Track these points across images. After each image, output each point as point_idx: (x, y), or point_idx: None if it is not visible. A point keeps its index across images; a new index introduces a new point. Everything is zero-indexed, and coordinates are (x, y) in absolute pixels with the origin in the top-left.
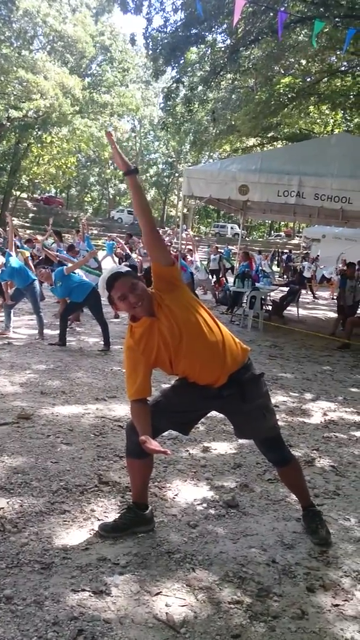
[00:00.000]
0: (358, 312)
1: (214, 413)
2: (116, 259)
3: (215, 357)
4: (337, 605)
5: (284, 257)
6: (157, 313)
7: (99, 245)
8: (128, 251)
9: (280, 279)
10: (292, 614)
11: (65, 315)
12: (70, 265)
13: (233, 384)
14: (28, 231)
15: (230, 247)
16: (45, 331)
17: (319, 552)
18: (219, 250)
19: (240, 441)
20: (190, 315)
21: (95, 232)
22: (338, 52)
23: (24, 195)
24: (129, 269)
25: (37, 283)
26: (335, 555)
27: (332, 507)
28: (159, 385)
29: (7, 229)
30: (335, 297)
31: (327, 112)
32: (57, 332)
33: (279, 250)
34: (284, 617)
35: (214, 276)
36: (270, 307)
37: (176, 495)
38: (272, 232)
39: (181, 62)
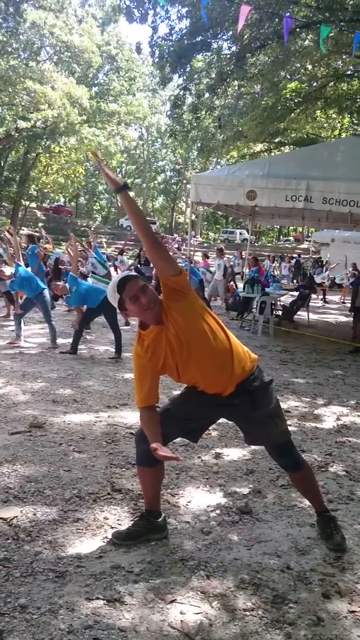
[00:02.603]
0: None
1: (225, 419)
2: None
3: (223, 366)
4: (353, 611)
5: (293, 261)
6: (164, 321)
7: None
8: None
9: (290, 283)
10: (308, 620)
11: (82, 325)
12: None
13: (242, 392)
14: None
15: (236, 256)
16: (58, 340)
17: (334, 558)
18: (222, 254)
19: (253, 447)
20: (197, 324)
21: (104, 240)
22: (344, 56)
23: (33, 204)
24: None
25: (47, 292)
26: (351, 561)
27: (346, 513)
28: (170, 391)
29: (10, 239)
30: (344, 301)
31: (334, 116)
32: (69, 340)
33: (289, 255)
34: (299, 623)
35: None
36: (280, 312)
37: (189, 502)
38: (281, 237)
39: (187, 69)
